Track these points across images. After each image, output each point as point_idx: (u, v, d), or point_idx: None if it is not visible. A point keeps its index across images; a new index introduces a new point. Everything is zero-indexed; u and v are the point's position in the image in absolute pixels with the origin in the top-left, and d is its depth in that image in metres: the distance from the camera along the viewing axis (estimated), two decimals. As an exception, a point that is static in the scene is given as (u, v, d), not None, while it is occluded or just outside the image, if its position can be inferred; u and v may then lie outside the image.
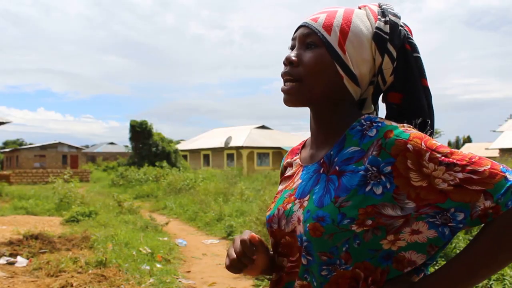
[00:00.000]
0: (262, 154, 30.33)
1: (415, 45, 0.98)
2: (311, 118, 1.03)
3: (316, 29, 0.95)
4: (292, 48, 1.01)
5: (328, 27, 0.94)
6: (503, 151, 29.14)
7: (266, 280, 5.00)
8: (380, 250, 0.86)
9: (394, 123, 0.89)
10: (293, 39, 1.01)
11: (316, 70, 0.94)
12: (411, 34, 0.99)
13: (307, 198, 0.94)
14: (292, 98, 0.97)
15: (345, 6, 1.03)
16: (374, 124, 0.91)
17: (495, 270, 0.83)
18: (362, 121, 0.94)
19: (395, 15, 0.97)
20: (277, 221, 1.00)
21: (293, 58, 0.96)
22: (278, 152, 30.86)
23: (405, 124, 0.90)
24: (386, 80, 0.98)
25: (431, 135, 0.98)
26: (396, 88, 0.98)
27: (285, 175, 1.12)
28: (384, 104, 1.04)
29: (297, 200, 0.97)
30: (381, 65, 0.96)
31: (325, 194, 0.90)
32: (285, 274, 0.99)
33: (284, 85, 0.98)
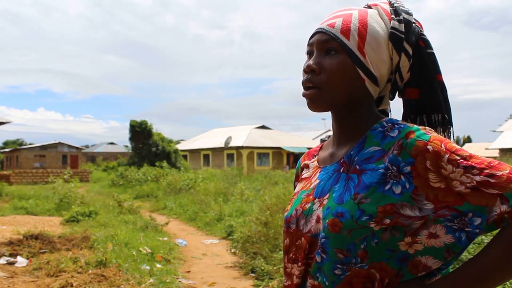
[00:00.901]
0: (262, 154, 30.33)
1: (428, 41, 0.99)
2: (332, 120, 1.04)
3: (335, 35, 0.95)
4: (309, 54, 1.01)
5: (346, 32, 0.94)
6: (503, 151, 29.13)
7: (266, 280, 5.00)
8: (397, 250, 0.86)
9: (416, 126, 0.91)
10: (310, 44, 1.00)
11: (338, 77, 0.94)
12: (423, 29, 1.00)
13: (327, 196, 0.95)
14: (315, 104, 0.97)
15: (347, 5, 1.03)
16: (396, 125, 0.93)
17: (509, 276, 0.82)
18: (384, 123, 0.95)
19: (407, 13, 0.98)
20: (296, 221, 1.00)
21: (315, 66, 0.96)
22: (278, 152, 30.85)
23: (426, 127, 0.91)
24: (404, 77, 0.99)
25: (448, 134, 1.00)
26: (413, 84, 0.99)
27: (302, 176, 1.12)
28: (394, 102, 1.06)
29: (316, 199, 0.98)
30: (399, 64, 0.97)
31: (345, 192, 0.91)
32: (296, 277, 0.99)
33: (306, 90, 0.98)
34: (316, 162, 1.09)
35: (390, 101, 1.07)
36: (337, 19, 0.96)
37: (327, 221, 0.89)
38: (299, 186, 1.10)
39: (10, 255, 5.88)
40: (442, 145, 0.85)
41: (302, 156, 1.21)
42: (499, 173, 0.81)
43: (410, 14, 0.98)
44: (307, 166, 1.13)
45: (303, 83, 0.98)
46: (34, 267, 5.31)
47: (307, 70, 0.97)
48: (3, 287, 4.61)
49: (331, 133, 1.09)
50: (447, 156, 0.83)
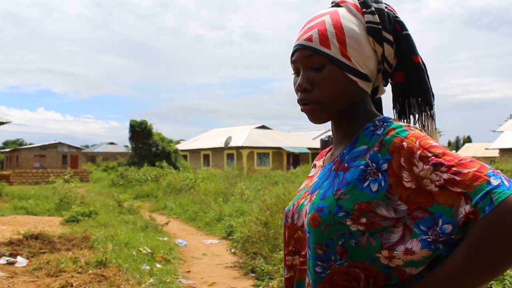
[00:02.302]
0: (262, 154, 30.31)
1: (402, 22, 0.99)
2: (331, 122, 1.05)
3: (316, 48, 0.94)
4: (296, 71, 1.01)
5: (325, 42, 0.94)
6: (503, 151, 29.12)
7: (266, 280, 5.00)
8: (378, 261, 0.85)
9: (400, 123, 0.91)
10: (294, 62, 1.00)
11: (331, 88, 0.94)
12: (395, 11, 1.00)
13: (316, 192, 0.97)
14: (317, 119, 0.98)
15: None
16: (384, 123, 0.93)
17: (477, 282, 0.77)
18: (376, 122, 0.96)
19: (377, 1, 0.98)
20: (291, 216, 1.03)
21: (306, 85, 0.96)
22: (278, 152, 30.84)
23: (411, 125, 0.91)
24: (392, 64, 1.00)
25: (427, 116, 1.00)
26: (400, 67, 1.00)
27: (309, 175, 1.15)
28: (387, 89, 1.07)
29: (309, 195, 1.00)
30: (384, 53, 0.97)
31: (330, 188, 0.92)
32: (297, 272, 1.00)
33: (304, 107, 0.98)
34: (322, 161, 1.12)
35: (384, 87, 1.07)
36: (313, 31, 0.96)
37: (309, 215, 0.91)
38: (303, 184, 1.13)
39: (10, 255, 5.88)
40: (417, 142, 0.84)
41: (316, 157, 1.24)
42: (466, 170, 0.78)
43: (380, 2, 0.98)
44: (315, 166, 1.16)
45: (299, 102, 0.99)
46: (34, 267, 5.30)
47: (299, 89, 0.97)
48: (3, 287, 4.61)
49: (330, 133, 1.10)
50: (419, 152, 0.82)
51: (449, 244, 0.80)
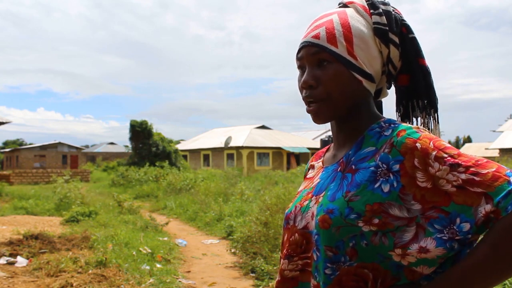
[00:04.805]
0: (262, 154, 30.31)
1: (409, 26, 1.00)
2: (332, 122, 1.04)
3: (323, 46, 0.94)
4: (301, 68, 1.00)
5: (332, 40, 0.94)
6: (503, 151, 29.11)
7: (266, 280, 5.00)
8: (390, 259, 0.85)
9: (409, 125, 0.92)
10: (299, 59, 1.00)
11: (337, 86, 0.94)
12: (401, 14, 1.01)
13: (322, 194, 0.96)
14: (321, 117, 0.98)
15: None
16: (391, 125, 0.93)
17: (496, 280, 0.79)
18: (382, 123, 0.96)
19: (384, 3, 0.99)
20: (293, 218, 1.02)
21: (311, 81, 0.96)
22: (278, 152, 30.83)
23: (420, 126, 0.92)
24: (396, 66, 1.00)
25: (428, 120, 1.01)
26: (404, 70, 1.01)
27: (307, 176, 1.14)
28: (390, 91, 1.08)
29: (313, 197, 0.99)
30: (389, 55, 0.98)
31: (339, 190, 0.92)
32: (288, 271, 0.99)
33: (309, 106, 0.98)
34: (321, 162, 1.11)
35: (388, 90, 1.08)
36: (320, 28, 0.96)
37: (318, 217, 0.91)
38: (302, 185, 1.12)
39: (10, 255, 5.88)
40: (431, 143, 0.84)
41: (311, 157, 1.23)
42: (485, 171, 0.80)
43: (387, 4, 0.99)
44: (312, 167, 1.15)
45: (304, 99, 0.99)
46: (34, 267, 5.30)
47: (305, 86, 0.97)
48: (3, 287, 4.61)
49: (330, 133, 1.10)
50: (434, 153, 0.83)
51: (465, 244, 0.81)
